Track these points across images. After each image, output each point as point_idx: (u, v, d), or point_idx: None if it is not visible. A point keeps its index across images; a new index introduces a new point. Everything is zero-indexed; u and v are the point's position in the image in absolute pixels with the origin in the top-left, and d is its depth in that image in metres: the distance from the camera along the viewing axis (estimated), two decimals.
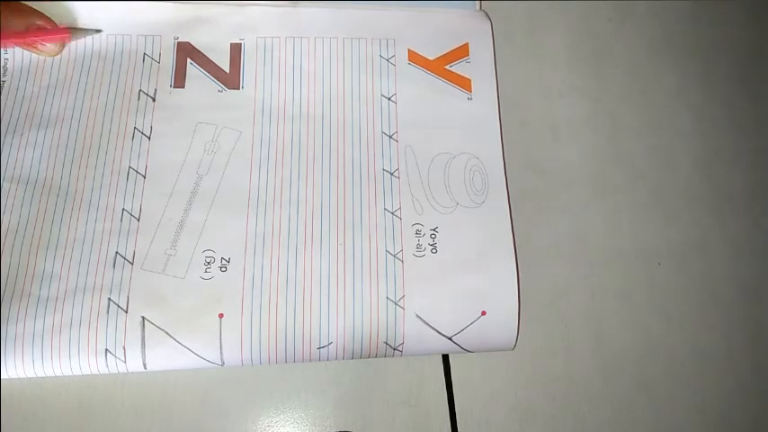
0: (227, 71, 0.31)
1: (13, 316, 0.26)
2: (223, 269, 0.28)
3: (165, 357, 0.26)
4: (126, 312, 0.26)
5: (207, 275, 0.28)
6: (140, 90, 0.30)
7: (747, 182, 0.35)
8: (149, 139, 0.30)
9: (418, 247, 0.29)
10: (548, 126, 0.34)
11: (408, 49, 0.33)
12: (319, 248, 0.29)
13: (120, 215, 0.28)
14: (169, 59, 0.31)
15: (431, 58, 0.33)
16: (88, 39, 0.31)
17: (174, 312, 0.27)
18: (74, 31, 0.30)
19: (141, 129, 0.30)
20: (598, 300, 0.32)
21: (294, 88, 0.31)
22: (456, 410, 0.29)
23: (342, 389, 0.29)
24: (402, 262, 0.29)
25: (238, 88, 0.31)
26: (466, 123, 0.32)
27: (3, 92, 0.30)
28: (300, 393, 0.29)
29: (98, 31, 0.31)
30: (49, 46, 0.30)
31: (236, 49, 0.32)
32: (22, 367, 0.26)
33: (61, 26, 0.30)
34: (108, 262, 0.27)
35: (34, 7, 0.29)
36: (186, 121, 0.30)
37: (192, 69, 0.31)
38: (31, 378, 0.26)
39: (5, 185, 0.28)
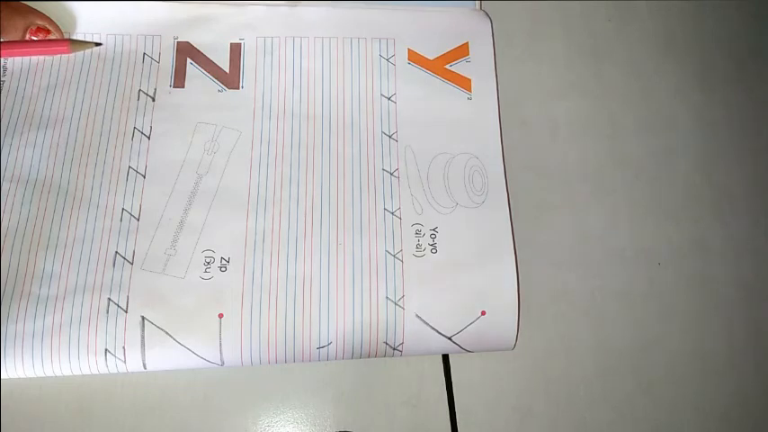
0: (227, 71, 0.31)
1: (13, 315, 0.26)
2: (223, 269, 0.28)
3: (164, 357, 0.26)
4: (126, 312, 0.26)
5: (207, 275, 0.28)
6: (140, 90, 0.30)
7: (747, 182, 0.35)
8: (149, 138, 0.30)
9: (418, 247, 0.29)
10: (548, 126, 0.34)
11: (408, 49, 0.33)
12: (319, 249, 0.29)
13: (119, 215, 0.28)
14: (169, 59, 0.31)
15: (431, 58, 0.33)
16: (87, 37, 0.31)
17: (173, 312, 0.27)
18: (73, 43, 0.30)
19: (141, 128, 0.30)
20: (598, 300, 0.32)
21: (294, 88, 0.31)
22: (456, 410, 0.29)
23: (342, 389, 0.29)
24: (402, 262, 0.29)
25: (238, 88, 0.31)
26: (466, 123, 0.32)
27: (3, 92, 0.30)
28: (300, 393, 0.29)
29: (98, 44, 0.31)
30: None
31: (235, 49, 0.32)
32: (21, 367, 0.26)
33: (60, 39, 0.30)
34: (108, 262, 0.27)
35: (34, 7, 0.29)
36: (186, 121, 0.30)
37: (192, 69, 0.31)
38: (31, 378, 0.26)
39: (5, 185, 0.28)
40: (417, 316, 0.28)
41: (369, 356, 0.28)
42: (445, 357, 0.30)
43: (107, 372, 0.26)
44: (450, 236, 0.29)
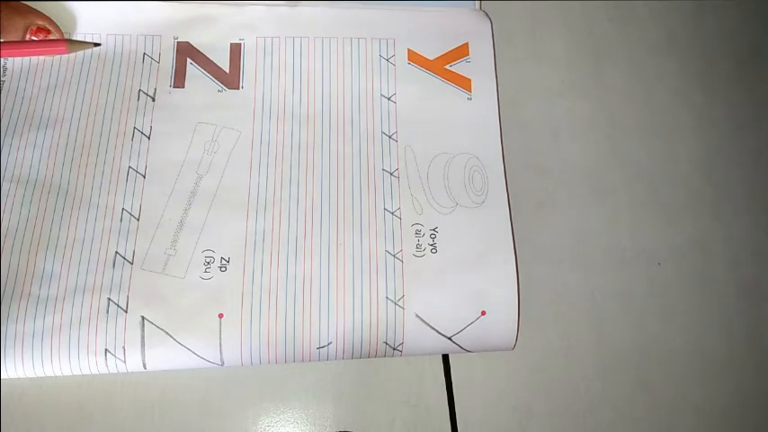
0: (227, 71, 0.31)
1: (13, 316, 0.26)
2: (223, 269, 0.28)
3: (164, 357, 0.26)
4: (126, 312, 0.26)
5: (206, 275, 0.28)
6: (140, 90, 0.30)
7: (747, 182, 0.35)
8: (149, 138, 0.30)
9: (418, 246, 0.29)
10: (548, 126, 0.34)
11: (408, 49, 0.33)
12: (319, 248, 0.29)
13: (119, 215, 0.28)
14: (169, 59, 0.31)
15: (431, 58, 0.33)
16: (87, 37, 0.31)
17: (173, 312, 0.27)
18: (71, 43, 0.30)
19: (141, 128, 0.30)
20: (598, 300, 0.32)
21: (294, 88, 0.31)
22: (456, 410, 0.29)
23: (342, 389, 0.29)
24: (402, 262, 0.29)
25: (238, 88, 0.31)
26: (466, 123, 0.32)
27: (2, 92, 0.30)
28: (300, 393, 0.29)
29: (96, 44, 0.31)
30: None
31: (235, 49, 0.32)
32: (21, 367, 0.26)
33: (58, 39, 0.30)
34: (108, 262, 0.27)
35: (34, 7, 0.29)
36: (186, 121, 0.30)
37: (192, 69, 0.31)
38: (31, 378, 0.26)
39: (5, 185, 0.28)
40: (417, 316, 0.28)
41: (369, 356, 0.28)
42: (445, 357, 0.30)
43: (107, 372, 0.26)
44: (450, 236, 0.29)
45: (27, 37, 0.29)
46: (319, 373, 0.29)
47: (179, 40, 0.32)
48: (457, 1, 0.34)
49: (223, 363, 0.27)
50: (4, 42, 0.29)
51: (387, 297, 0.28)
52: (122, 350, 0.26)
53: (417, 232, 0.29)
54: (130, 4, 0.31)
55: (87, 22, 0.31)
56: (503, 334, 0.28)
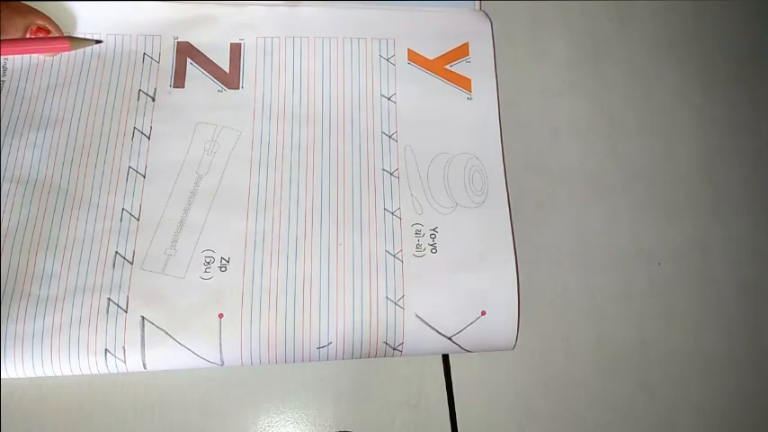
0: (227, 71, 0.31)
1: (13, 316, 0.26)
2: (223, 269, 0.28)
3: (164, 357, 0.26)
4: (126, 312, 0.26)
5: (206, 275, 0.28)
6: (140, 90, 0.30)
7: (747, 182, 0.35)
8: (149, 138, 0.30)
9: (418, 246, 0.29)
10: (548, 126, 0.34)
11: (408, 49, 0.33)
12: (319, 249, 0.29)
13: (119, 215, 0.28)
14: (169, 59, 0.31)
15: (431, 58, 0.33)
16: (87, 37, 0.31)
17: (173, 312, 0.27)
18: (73, 41, 0.30)
19: (141, 129, 0.30)
20: (598, 300, 0.32)
21: (294, 88, 0.31)
22: (456, 410, 0.29)
23: (342, 389, 0.29)
24: (402, 262, 0.29)
25: (238, 88, 0.31)
26: (466, 123, 0.32)
27: (2, 92, 0.30)
28: (300, 393, 0.29)
29: (98, 41, 0.31)
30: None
31: (235, 49, 0.32)
32: (21, 367, 0.26)
33: (60, 36, 0.30)
34: (108, 262, 0.27)
35: (34, 7, 0.29)
36: (186, 121, 0.30)
37: (192, 69, 0.31)
38: (31, 378, 0.26)
39: (5, 185, 0.28)
40: (417, 316, 0.28)
41: (369, 356, 0.28)
42: (445, 357, 0.30)
43: (107, 372, 0.26)
44: (450, 236, 0.29)
45: (27, 37, 0.29)
46: (319, 373, 0.29)
47: (179, 40, 0.32)
48: (457, 1, 0.34)
49: (223, 363, 0.27)
50: (6, 40, 0.29)
51: (387, 297, 0.28)
52: (122, 350, 0.26)
53: (417, 232, 0.29)
54: (130, 4, 0.31)
55: (87, 22, 0.31)
56: (503, 334, 0.28)
